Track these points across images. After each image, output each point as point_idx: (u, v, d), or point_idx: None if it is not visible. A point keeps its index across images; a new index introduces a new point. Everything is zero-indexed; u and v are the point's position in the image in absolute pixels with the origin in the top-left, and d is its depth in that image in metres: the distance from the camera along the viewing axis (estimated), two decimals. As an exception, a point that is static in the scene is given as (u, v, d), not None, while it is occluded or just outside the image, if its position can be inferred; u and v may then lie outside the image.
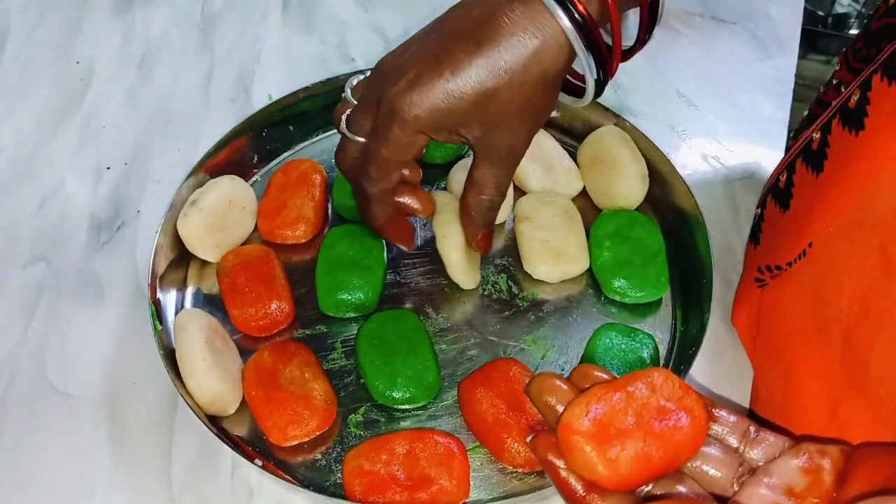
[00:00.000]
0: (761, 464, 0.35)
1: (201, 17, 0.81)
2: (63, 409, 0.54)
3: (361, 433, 0.52)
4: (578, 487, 0.33)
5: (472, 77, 0.43)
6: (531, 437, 0.36)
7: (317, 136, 0.68)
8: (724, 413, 0.36)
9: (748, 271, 0.54)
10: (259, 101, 0.73)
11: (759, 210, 0.55)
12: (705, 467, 0.35)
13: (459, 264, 0.57)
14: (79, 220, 0.65)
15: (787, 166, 0.51)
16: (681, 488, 0.34)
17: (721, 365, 0.56)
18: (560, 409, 0.34)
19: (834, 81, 0.53)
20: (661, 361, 0.54)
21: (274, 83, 0.74)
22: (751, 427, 0.36)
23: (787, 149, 0.67)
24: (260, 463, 0.49)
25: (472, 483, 0.49)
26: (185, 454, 0.52)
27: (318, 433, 0.51)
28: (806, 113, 0.58)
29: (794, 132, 0.61)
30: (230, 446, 0.48)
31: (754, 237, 0.55)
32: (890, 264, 0.40)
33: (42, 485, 0.51)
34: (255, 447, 0.51)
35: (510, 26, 0.42)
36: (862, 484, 0.31)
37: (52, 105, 0.73)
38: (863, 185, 0.41)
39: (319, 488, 0.49)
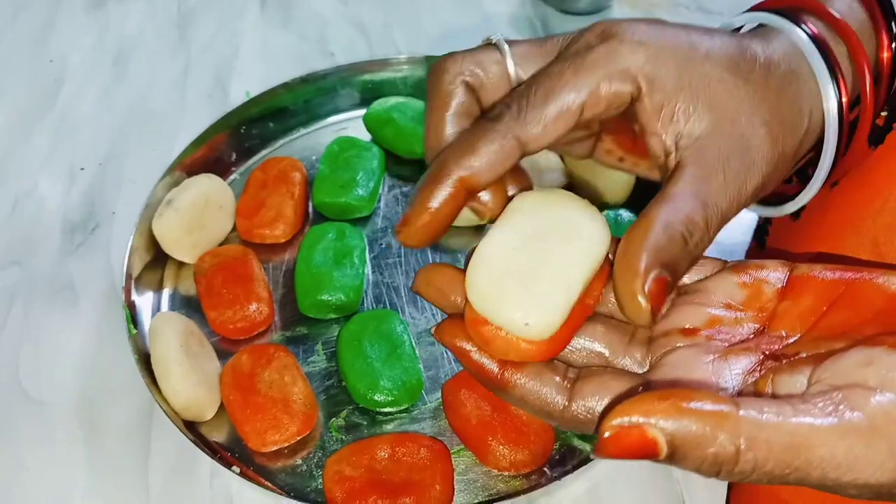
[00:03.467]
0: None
1: (177, 13, 0.80)
2: (37, 418, 0.53)
3: (343, 437, 0.50)
4: (494, 367, 0.31)
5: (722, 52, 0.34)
6: (434, 328, 0.33)
7: (296, 133, 0.67)
8: None
9: None
10: (237, 98, 0.71)
11: None
12: None
13: None
14: (52, 222, 0.63)
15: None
16: (601, 328, 0.32)
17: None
18: (455, 298, 0.32)
19: None
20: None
21: (252, 80, 0.73)
22: None
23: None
24: (238, 469, 0.48)
25: (456, 487, 0.48)
26: (163, 462, 0.51)
27: (298, 438, 0.49)
28: None
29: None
30: (206, 452, 0.47)
31: (759, 239, 0.54)
32: (877, 260, 0.39)
33: (16, 495, 0.50)
34: (233, 453, 0.50)
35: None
36: (811, 297, 0.29)
37: (24, 105, 0.72)
38: (876, 197, 0.40)
39: (300, 495, 0.48)
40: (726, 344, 0.30)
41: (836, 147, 0.36)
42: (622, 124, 0.36)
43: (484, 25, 0.78)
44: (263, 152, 0.66)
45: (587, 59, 0.32)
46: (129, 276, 0.55)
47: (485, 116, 0.33)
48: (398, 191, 0.63)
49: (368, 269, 0.58)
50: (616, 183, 0.59)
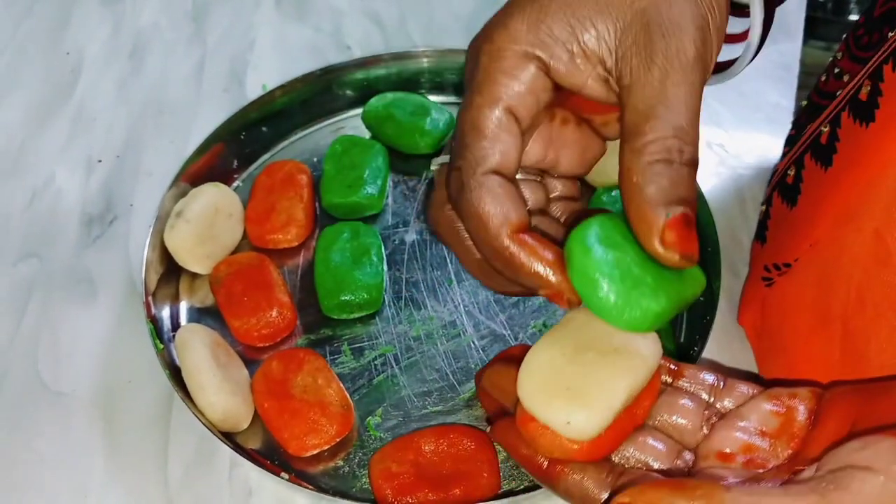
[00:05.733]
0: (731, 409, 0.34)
1: (193, 6, 0.80)
2: (56, 409, 0.53)
3: (382, 435, 0.50)
4: (542, 461, 0.33)
5: None
6: (489, 429, 0.36)
7: (294, 135, 0.66)
8: (689, 369, 0.36)
9: (755, 270, 0.53)
10: (253, 91, 0.71)
11: (763, 207, 0.54)
12: (671, 417, 0.34)
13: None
14: (70, 214, 0.63)
15: (794, 161, 0.49)
16: (651, 441, 0.34)
17: (727, 356, 0.54)
18: (515, 395, 0.34)
19: (835, 70, 0.52)
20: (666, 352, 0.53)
21: (268, 73, 0.73)
22: (718, 377, 0.35)
23: (788, 138, 0.66)
24: (286, 476, 0.47)
25: (502, 473, 0.48)
26: (182, 453, 0.51)
27: (337, 440, 0.49)
28: (805, 103, 0.57)
29: (794, 122, 0.60)
30: (228, 445, 0.47)
31: (760, 235, 0.54)
32: (884, 251, 0.39)
33: (35, 487, 0.50)
34: (272, 460, 0.49)
35: None
36: (835, 423, 0.31)
37: (41, 97, 0.72)
38: (872, 177, 0.40)
39: (346, 495, 0.48)
40: (761, 470, 0.32)
41: None
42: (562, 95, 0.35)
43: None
44: (264, 157, 0.65)
45: (479, 76, 0.33)
46: (147, 291, 0.54)
47: (450, 195, 0.34)
48: (405, 186, 0.63)
49: (385, 265, 0.58)
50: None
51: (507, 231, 0.31)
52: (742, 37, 0.38)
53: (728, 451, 0.33)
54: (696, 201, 0.31)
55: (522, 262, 0.31)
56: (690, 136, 0.31)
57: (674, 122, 0.30)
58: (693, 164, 0.31)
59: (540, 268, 0.31)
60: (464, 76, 0.35)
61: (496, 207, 0.31)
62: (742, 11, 0.37)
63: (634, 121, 0.30)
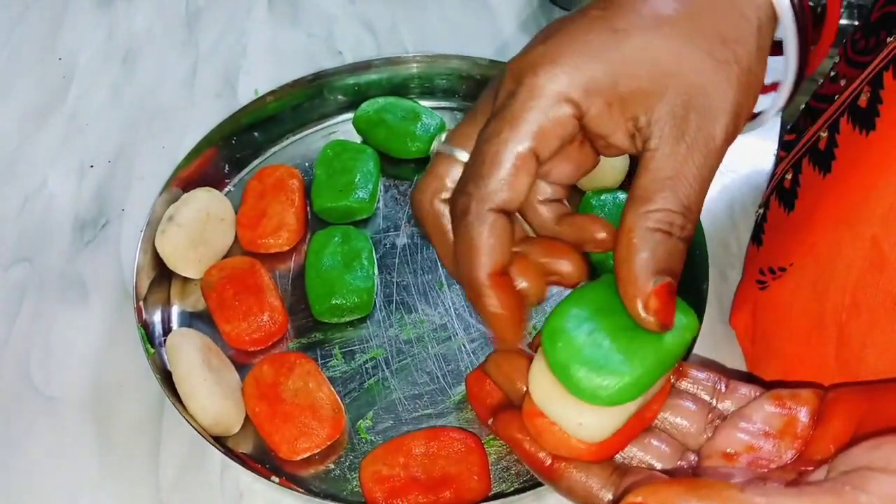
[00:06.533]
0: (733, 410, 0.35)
1: (186, 11, 0.80)
2: (48, 413, 0.53)
3: (372, 438, 0.51)
4: (545, 458, 0.33)
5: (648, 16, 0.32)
6: (491, 420, 0.36)
7: (286, 140, 0.67)
8: (692, 370, 0.36)
9: (749, 273, 0.53)
10: (245, 96, 0.72)
11: (760, 210, 0.54)
12: (675, 419, 0.35)
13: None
14: (62, 219, 0.64)
15: (792, 165, 0.50)
16: (654, 442, 0.35)
17: (717, 359, 0.55)
18: (521, 386, 0.34)
19: (832, 73, 0.52)
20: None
21: (260, 78, 0.73)
22: (720, 380, 0.36)
23: (781, 141, 0.66)
24: (276, 479, 0.48)
25: (492, 476, 0.48)
26: (174, 456, 0.51)
27: (328, 443, 0.50)
28: (803, 107, 0.57)
29: (791, 126, 0.60)
30: (219, 448, 0.47)
31: (756, 238, 0.54)
32: (879, 257, 0.39)
33: (27, 490, 0.50)
34: (263, 464, 0.50)
35: None
36: (839, 423, 0.31)
37: (34, 102, 0.72)
38: (871, 184, 0.40)
39: (337, 499, 0.48)
40: (765, 469, 0.32)
41: (796, 35, 0.35)
42: None
43: (491, 24, 0.78)
44: (255, 162, 0.66)
45: (514, 107, 0.33)
46: (138, 296, 0.54)
47: (452, 213, 0.34)
48: (396, 191, 0.64)
49: (375, 269, 0.58)
50: (612, 167, 0.60)
51: (489, 270, 0.33)
52: (770, 88, 0.38)
53: (732, 451, 0.33)
54: (681, 276, 0.32)
55: (487, 301, 0.33)
56: (694, 216, 0.32)
57: (684, 200, 0.32)
58: (689, 241, 0.32)
59: (497, 311, 0.33)
60: (487, 85, 0.36)
61: (488, 246, 0.33)
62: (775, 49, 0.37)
63: (648, 186, 0.32)
